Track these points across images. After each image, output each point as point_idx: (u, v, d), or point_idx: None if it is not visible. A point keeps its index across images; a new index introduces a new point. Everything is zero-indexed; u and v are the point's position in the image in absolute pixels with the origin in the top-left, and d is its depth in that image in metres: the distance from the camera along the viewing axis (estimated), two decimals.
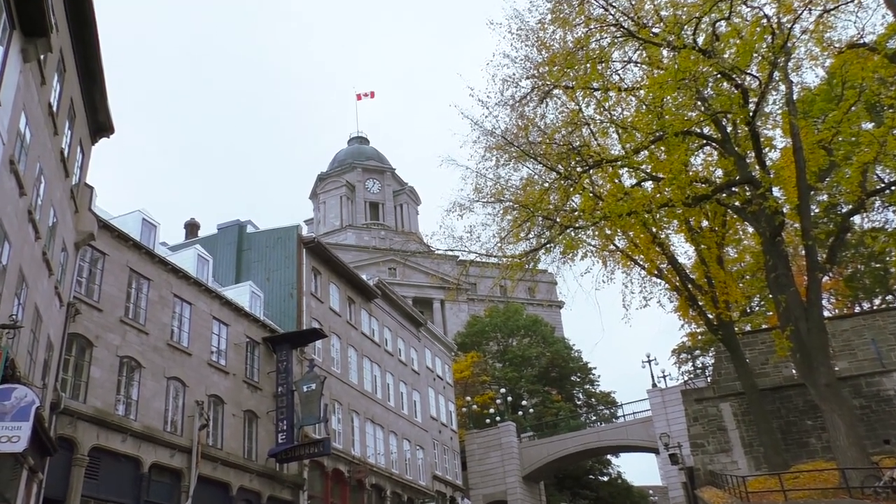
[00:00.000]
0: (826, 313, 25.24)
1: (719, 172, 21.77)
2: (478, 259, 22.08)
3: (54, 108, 15.71)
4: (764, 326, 30.60)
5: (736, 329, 25.92)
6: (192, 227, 39.37)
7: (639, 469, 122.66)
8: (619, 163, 19.65)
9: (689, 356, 49.69)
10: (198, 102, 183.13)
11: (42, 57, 14.12)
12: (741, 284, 26.66)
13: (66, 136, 17.39)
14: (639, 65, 19.82)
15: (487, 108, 20.62)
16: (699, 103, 18.99)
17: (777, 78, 18.00)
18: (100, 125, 20.57)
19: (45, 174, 15.44)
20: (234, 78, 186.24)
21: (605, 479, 57.62)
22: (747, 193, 19.99)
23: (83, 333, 20.49)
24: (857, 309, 35.40)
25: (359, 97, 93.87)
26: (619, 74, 19.91)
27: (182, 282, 25.40)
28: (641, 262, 23.38)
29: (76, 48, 17.31)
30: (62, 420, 18.89)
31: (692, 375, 46.59)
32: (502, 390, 53.73)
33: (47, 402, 17.71)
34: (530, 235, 20.84)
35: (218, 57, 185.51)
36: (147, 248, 24.07)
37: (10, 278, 13.39)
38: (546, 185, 20.52)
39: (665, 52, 18.66)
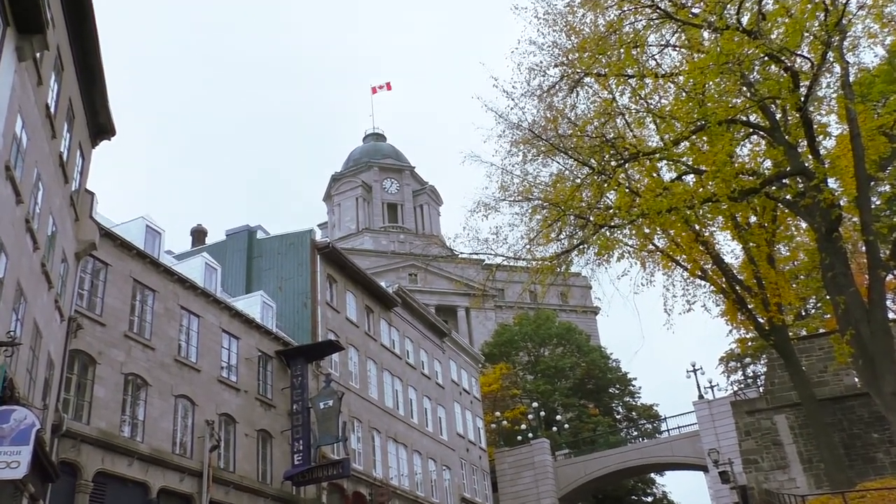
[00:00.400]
0: (891, 315, 24.71)
1: (768, 163, 21.44)
2: (505, 263, 21.95)
3: (52, 110, 15.92)
4: (821, 331, 30.09)
5: (790, 334, 25.51)
6: (198, 234, 39.78)
7: (686, 489, 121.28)
8: (658, 155, 19.43)
9: (739, 364, 49.06)
10: (201, 104, 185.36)
11: (38, 55, 14.31)
12: (795, 285, 26.24)
13: (64, 140, 17.63)
14: (677, 49, 19.60)
15: (513, 99, 20.46)
16: (744, 89, 18.71)
17: (831, 59, 17.69)
18: (100, 127, 20.83)
19: (42, 180, 15.66)
20: (240, 78, 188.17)
21: (649, 499, 57.09)
22: (800, 185, 19.65)
23: (85, 350, 20.74)
24: None
25: (374, 90, 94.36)
26: (655, 60, 19.70)
27: (189, 293, 25.62)
28: (683, 263, 23.11)
29: (74, 45, 17.54)
30: (64, 443, 19.11)
31: (742, 385, 46.03)
32: (534, 404, 53.53)
33: (48, 425, 17.92)
34: (561, 236, 20.69)
35: (220, 57, 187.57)
36: (152, 258, 24.31)
37: (8, 292, 13.57)
38: (578, 180, 20.37)
39: (706, 35, 18.42)
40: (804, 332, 32.27)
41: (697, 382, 44.11)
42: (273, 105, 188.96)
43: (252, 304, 29.81)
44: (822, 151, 19.55)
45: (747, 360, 47.92)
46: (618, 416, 60.96)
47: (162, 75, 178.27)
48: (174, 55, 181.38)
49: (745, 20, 17.63)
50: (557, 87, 20.12)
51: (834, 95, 19.23)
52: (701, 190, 19.39)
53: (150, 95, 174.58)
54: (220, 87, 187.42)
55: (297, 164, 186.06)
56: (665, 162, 20.46)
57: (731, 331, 26.72)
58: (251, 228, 37.20)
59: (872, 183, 20.82)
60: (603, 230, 19.85)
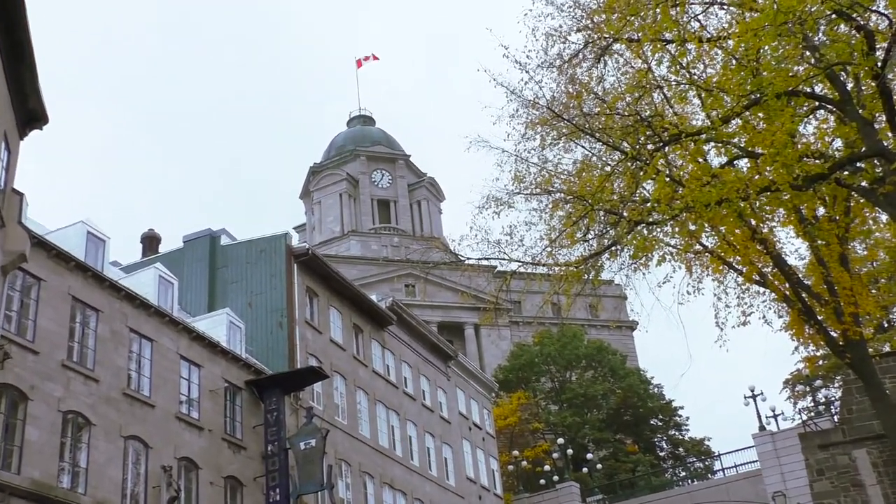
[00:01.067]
0: None
1: (838, 143, 21.37)
2: (522, 269, 21.95)
3: None
4: None
5: (870, 350, 25.39)
6: (150, 241, 39.84)
7: None
8: (704, 136, 19.37)
9: (808, 388, 48.96)
10: (164, 89, 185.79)
11: None
12: (874, 291, 26.12)
13: None
14: (725, 7, 19.56)
15: (527, 71, 20.47)
16: (808, 54, 18.65)
17: None
18: (30, 114, 20.83)
19: None
20: (211, 57, 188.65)
21: None
22: (877, 170, 19.59)
23: (14, 384, 20.72)
24: None
25: (359, 63, 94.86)
26: (699, 21, 19.66)
27: (140, 312, 25.63)
28: (737, 266, 23.03)
29: None
30: None
31: (813, 414, 45.89)
32: (560, 440, 53.44)
33: None
34: (589, 236, 20.66)
35: (186, 35, 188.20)
36: (94, 270, 24.33)
37: None
38: (608, 168, 20.34)
39: None
40: (887, 348, 32.15)
41: (758, 410, 44.06)
42: (247, 87, 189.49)
43: (216, 325, 29.82)
44: None
45: (818, 382, 47.78)
46: (661, 454, 60.88)
47: (117, 58, 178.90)
48: (134, 37, 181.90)
49: None
50: (581, 55, 20.11)
51: None
52: (757, 177, 19.31)
53: (102, 80, 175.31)
54: (189, 68, 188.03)
55: (273, 155, 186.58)
56: (713, 144, 20.41)
57: (797, 347, 26.52)
58: (213, 233, 37.28)
59: None
60: (639, 228, 19.80)
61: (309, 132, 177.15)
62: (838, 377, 39.10)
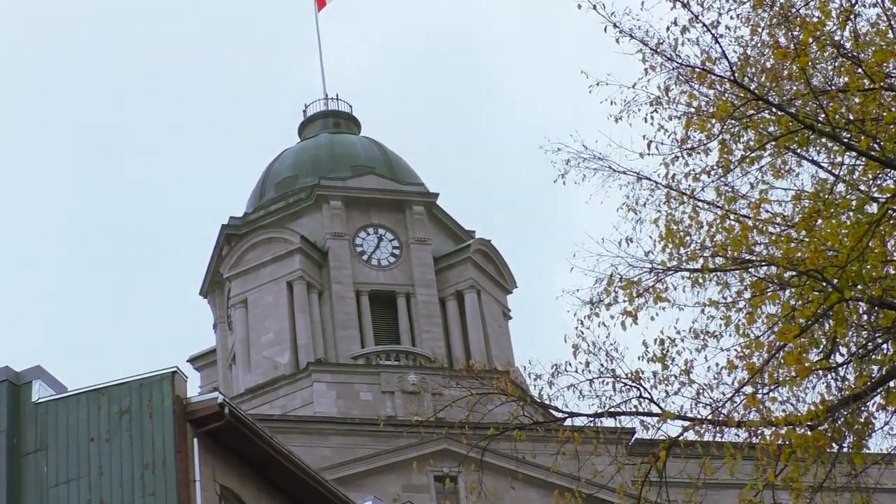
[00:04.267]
0: None
1: None
2: (691, 434, 22.07)
3: None
4: None
5: None
6: None
7: None
8: None
9: None
10: None
11: None
12: None
13: None
14: None
15: (687, 5, 20.79)
16: None
17: None
18: None
19: None
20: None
21: None
22: None
23: None
24: None
25: (321, 2, 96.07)
26: None
27: None
28: None
29: None
30: None
31: None
32: None
33: None
34: (838, 357, 20.83)
35: None
36: None
37: None
38: (871, 210, 20.53)
39: None
40: None
41: None
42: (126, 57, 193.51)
43: None
44: None
45: None
46: None
47: None
48: None
49: None
50: None
51: None
52: None
53: None
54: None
55: (163, 203, 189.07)
56: None
57: None
58: (18, 378, 37.53)
59: None
60: None
61: (236, 146, 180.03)
62: None
